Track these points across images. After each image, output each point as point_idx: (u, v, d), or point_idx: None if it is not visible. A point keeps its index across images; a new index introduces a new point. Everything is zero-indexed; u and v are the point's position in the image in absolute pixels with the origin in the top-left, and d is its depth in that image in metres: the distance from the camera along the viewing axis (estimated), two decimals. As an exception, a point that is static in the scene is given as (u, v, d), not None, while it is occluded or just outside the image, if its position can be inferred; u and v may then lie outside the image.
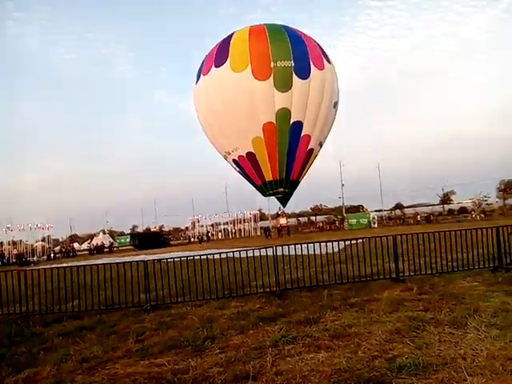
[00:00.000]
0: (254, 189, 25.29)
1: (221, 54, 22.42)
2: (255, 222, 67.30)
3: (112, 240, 63.06)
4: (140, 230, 79.47)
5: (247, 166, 23.56)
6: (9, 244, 44.30)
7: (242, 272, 8.49)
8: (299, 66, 22.66)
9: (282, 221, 39.01)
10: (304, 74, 22.78)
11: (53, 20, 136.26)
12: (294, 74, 22.46)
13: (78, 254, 45.58)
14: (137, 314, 7.33)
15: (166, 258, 8.86)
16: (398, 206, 72.30)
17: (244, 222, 67.07)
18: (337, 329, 5.12)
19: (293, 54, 22.46)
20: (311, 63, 23.27)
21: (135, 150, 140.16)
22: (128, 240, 57.59)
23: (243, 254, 8.65)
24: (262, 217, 73.49)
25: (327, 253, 9.20)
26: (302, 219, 76.02)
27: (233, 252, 8.69)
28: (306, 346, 4.57)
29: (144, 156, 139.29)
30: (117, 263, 8.60)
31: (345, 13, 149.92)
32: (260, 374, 3.86)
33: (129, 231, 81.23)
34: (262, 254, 9.03)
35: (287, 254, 8.88)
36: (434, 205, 70.16)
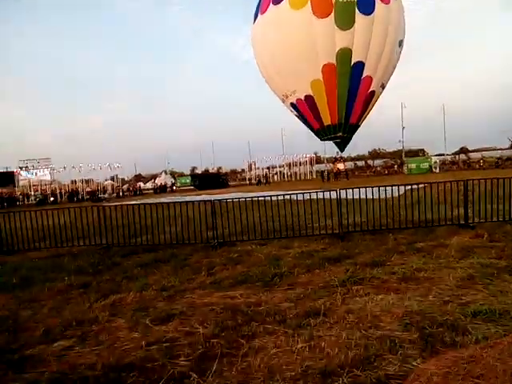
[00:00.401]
0: (311, 132, 24.73)
1: None
2: (311, 165, 66.70)
3: (173, 180, 65.64)
4: (199, 171, 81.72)
5: (305, 109, 22.89)
6: (82, 182, 47.80)
7: (305, 214, 8.57)
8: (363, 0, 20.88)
9: (340, 166, 38.39)
10: (368, 8, 20.98)
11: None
12: (356, 10, 20.78)
13: (143, 192, 48.23)
14: (205, 250, 7.74)
15: (232, 198, 9.12)
16: (463, 150, 67.94)
17: (300, 164, 66.72)
18: (405, 272, 5.10)
19: None
20: None
21: (194, 94, 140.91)
22: (188, 180, 59.84)
23: (304, 197, 8.69)
24: (318, 160, 72.48)
25: (386, 198, 8.98)
26: (359, 163, 74.11)
27: (296, 194, 8.75)
28: (375, 288, 4.62)
29: (202, 101, 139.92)
30: (186, 202, 9.01)
31: None
32: (330, 311, 3.99)
33: (188, 172, 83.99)
34: (321, 197, 8.96)
35: (347, 197, 8.75)
36: (503, 149, 65.06)
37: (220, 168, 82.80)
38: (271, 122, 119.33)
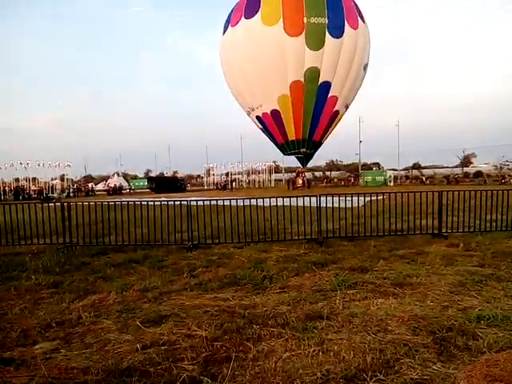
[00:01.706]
0: (270, 141, 24.91)
1: (252, 5, 21.26)
2: (269, 173, 67.31)
3: (126, 182, 63.76)
4: (153, 174, 79.94)
5: (270, 123, 23.05)
6: (26, 180, 45.01)
7: (279, 219, 8.42)
8: (333, 23, 21.47)
9: (300, 181, 38.94)
10: (337, 32, 21.63)
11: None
12: (327, 32, 21.34)
13: (96, 193, 46.32)
14: (180, 252, 7.40)
15: (203, 201, 8.82)
16: (416, 166, 71.30)
17: (259, 173, 67.13)
18: (396, 278, 5.07)
19: (328, 10, 21.22)
20: (346, 22, 22.03)
21: (148, 95, 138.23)
22: (143, 183, 58.30)
23: (270, 202, 8.68)
24: (277, 169, 73.37)
25: (352, 206, 9.03)
26: (316, 173, 75.65)
27: (269, 199, 8.71)
28: (370, 292, 4.54)
29: (157, 103, 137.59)
30: (160, 202, 8.59)
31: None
32: (333, 314, 3.84)
33: (142, 175, 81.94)
34: (293, 203, 8.83)
35: (317, 204, 8.65)
36: (453, 167, 68.94)
37: (176, 172, 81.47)
38: (228, 129, 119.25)
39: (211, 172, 68.78)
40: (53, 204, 9.92)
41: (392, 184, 49.64)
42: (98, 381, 2.62)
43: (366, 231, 8.12)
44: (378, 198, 11.14)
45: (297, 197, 8.88)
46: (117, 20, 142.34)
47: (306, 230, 8.43)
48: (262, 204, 8.80)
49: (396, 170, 63.51)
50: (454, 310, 3.92)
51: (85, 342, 3.35)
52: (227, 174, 65.94)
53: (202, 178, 75.47)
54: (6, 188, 42.00)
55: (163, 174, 75.07)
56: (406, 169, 69.96)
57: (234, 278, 5.33)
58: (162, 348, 3.17)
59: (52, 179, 48.48)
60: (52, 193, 40.81)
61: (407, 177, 64.16)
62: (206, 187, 61.86)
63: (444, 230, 8.18)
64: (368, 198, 11.54)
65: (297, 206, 8.60)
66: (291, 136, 23.10)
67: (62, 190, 44.03)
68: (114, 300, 4.46)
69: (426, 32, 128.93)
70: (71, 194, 41.78)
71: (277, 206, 8.62)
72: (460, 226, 8.18)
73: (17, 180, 46.67)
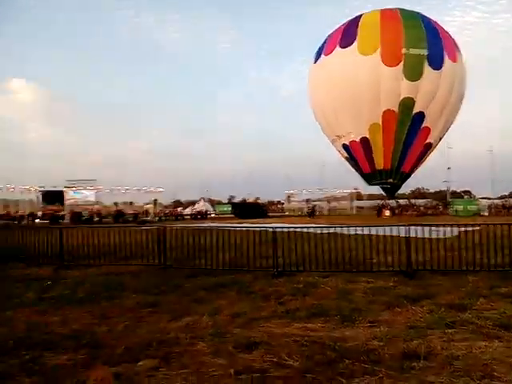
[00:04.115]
0: (352, 170, 24.37)
1: (348, 34, 21.48)
2: (351, 200, 65.69)
3: (211, 207, 66.19)
4: (236, 200, 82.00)
5: (358, 151, 22.68)
6: (124, 205, 49.09)
7: (364, 248, 8.16)
8: (433, 55, 21.00)
9: (386, 213, 37.45)
10: (437, 64, 21.08)
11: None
12: (426, 63, 20.89)
13: (184, 217, 48.94)
14: (265, 278, 7.50)
15: (292, 227, 8.90)
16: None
17: (339, 200, 65.87)
18: (499, 318, 4.65)
19: (427, 42, 20.86)
20: (445, 54, 21.49)
21: (231, 123, 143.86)
22: (226, 209, 60.20)
23: (356, 231, 8.41)
24: (359, 196, 71.41)
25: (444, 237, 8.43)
26: (401, 201, 72.23)
27: (355, 228, 8.46)
28: (471, 333, 4.20)
29: (240, 132, 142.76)
30: (242, 228, 8.85)
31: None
32: (431, 354, 3.62)
33: (225, 200, 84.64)
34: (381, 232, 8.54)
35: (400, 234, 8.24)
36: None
37: (258, 198, 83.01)
38: (308, 156, 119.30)
39: (291, 198, 68.96)
40: (148, 227, 10.71)
41: (487, 214, 45.59)
42: (197, 403, 2.74)
43: (461, 264, 7.57)
44: (473, 228, 10.32)
45: (383, 226, 8.59)
46: (203, 56, 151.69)
47: (394, 260, 8.09)
48: (345, 232, 8.63)
49: (490, 198, 58.40)
50: None
51: (182, 362, 3.53)
52: (307, 201, 65.58)
53: (283, 204, 75.94)
54: (105, 211, 46.12)
55: (245, 199, 76.88)
56: (501, 197, 63.91)
57: (321, 308, 5.27)
58: (254, 375, 3.23)
59: (146, 204, 52.30)
60: (146, 216, 43.83)
61: (504, 206, 58.47)
62: (287, 213, 62.00)
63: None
64: (462, 229, 10.76)
65: (384, 235, 8.32)
66: (379, 165, 22.48)
67: (155, 214, 47.10)
68: (206, 323, 4.65)
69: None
70: (163, 218, 44.45)
71: (363, 234, 8.41)
72: None
73: (116, 204, 51.21)
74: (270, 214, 58.54)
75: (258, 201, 76.48)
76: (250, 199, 77.74)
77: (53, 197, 48.72)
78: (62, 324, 4.66)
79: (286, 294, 6.11)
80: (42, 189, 48.32)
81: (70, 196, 48.58)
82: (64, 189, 48.78)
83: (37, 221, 37.39)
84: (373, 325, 4.58)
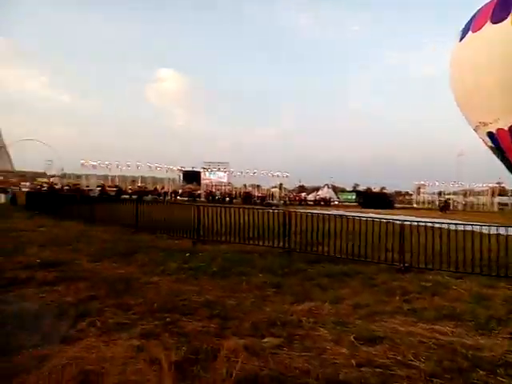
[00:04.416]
0: (495, 160, 21.46)
1: (501, 8, 18.89)
2: (492, 196, 58.75)
3: (334, 195, 65.47)
4: (360, 188, 79.70)
5: (506, 141, 19.96)
6: (252, 187, 51.64)
7: (508, 250, 7.25)
8: None
9: None
10: None
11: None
12: None
13: (307, 203, 49.47)
14: (390, 272, 7.24)
15: (422, 221, 8.39)
16: None
17: (478, 194, 59.46)
18: None
19: None
20: None
21: (361, 109, 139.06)
22: (351, 197, 58.97)
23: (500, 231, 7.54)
24: (502, 191, 63.40)
25: None
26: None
27: (506, 227, 7.58)
28: None
29: (370, 116, 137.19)
30: (368, 218, 8.62)
31: None
32: None
33: (349, 188, 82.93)
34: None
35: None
36: None
37: (383, 188, 79.49)
38: (443, 145, 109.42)
39: (421, 190, 64.41)
40: (273, 210, 11.14)
41: None
42: (318, 386, 2.83)
43: None
44: None
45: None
46: (335, 41, 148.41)
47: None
48: (485, 231, 7.80)
49: None
50: None
51: (304, 345, 3.66)
52: (440, 193, 60.57)
53: (411, 195, 71.44)
54: (236, 192, 49.11)
55: (370, 188, 74.30)
56: None
57: (452, 310, 4.92)
58: (377, 370, 3.19)
59: (272, 187, 54.23)
60: (272, 200, 45.49)
61: None
62: (415, 205, 58.18)
63: None
64: None
65: None
66: (532, 158, 19.48)
67: (279, 198, 48.55)
68: (328, 310, 4.72)
69: None
70: (287, 202, 45.59)
71: (506, 235, 7.50)
72: None
73: (245, 186, 54.30)
74: (397, 205, 55.70)
75: (385, 190, 73.22)
76: (376, 188, 74.88)
77: (191, 177, 53.92)
78: (198, 293, 5.18)
79: (413, 292, 5.82)
80: (183, 169, 53.53)
81: (206, 176, 53.00)
82: (201, 170, 53.37)
83: (178, 198, 41.52)
84: (514, 337, 4.13)
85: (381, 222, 8.33)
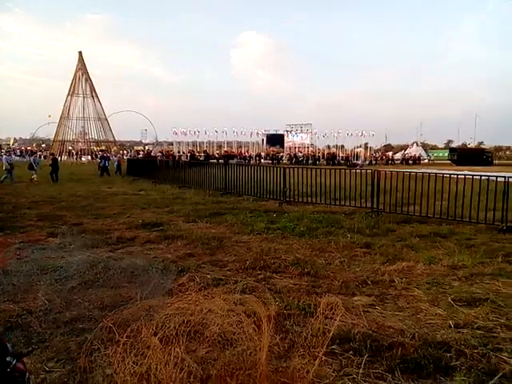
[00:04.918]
0: None
1: None
2: None
3: (424, 153, 61.55)
4: (454, 145, 73.89)
5: None
6: (336, 148, 50.45)
7: None
8: None
9: None
10: None
11: None
12: None
13: (395, 162, 47.31)
14: (490, 232, 6.76)
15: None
16: None
17: None
18: None
19: None
20: None
21: (458, 61, 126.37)
22: (442, 154, 55.09)
23: None
24: None
25: None
26: None
27: None
28: None
29: (466, 69, 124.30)
30: (461, 175, 7.95)
31: None
32: None
33: (442, 146, 77.28)
34: None
35: None
36: None
37: (481, 143, 72.85)
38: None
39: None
40: (359, 170, 10.82)
41: None
42: (414, 346, 2.79)
43: None
44: None
45: None
46: None
47: None
48: None
49: None
50: None
51: (398, 304, 3.61)
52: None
53: (515, 149, 64.53)
54: (320, 154, 48.35)
55: (465, 145, 68.51)
56: None
57: None
58: (478, 332, 3.06)
59: (356, 147, 52.47)
60: (357, 160, 44.13)
61: None
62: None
63: None
64: None
65: None
66: None
67: (365, 158, 46.90)
68: (422, 271, 4.56)
69: None
70: (373, 162, 43.94)
71: None
72: None
73: (328, 147, 53.22)
74: (496, 162, 50.87)
75: (482, 146, 67.10)
76: (472, 144, 68.92)
77: (275, 139, 54.00)
78: (287, 252, 5.30)
79: (517, 253, 5.38)
80: (267, 132, 53.65)
81: (289, 139, 52.77)
82: (284, 132, 53.18)
83: (262, 161, 42.03)
84: None
85: (478, 179, 7.70)
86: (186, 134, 46.46)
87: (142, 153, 45.14)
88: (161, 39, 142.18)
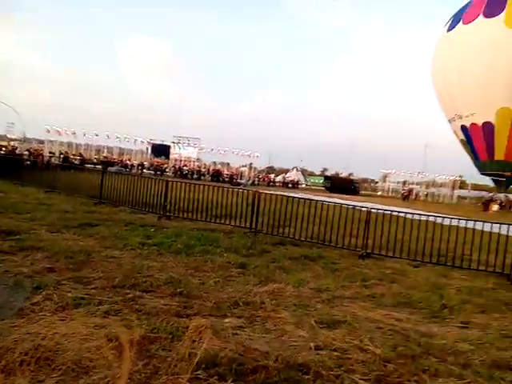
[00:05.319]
0: (459, 154, 22.26)
1: (494, 4, 19.03)
2: (453, 188, 61.01)
3: (303, 178, 66.11)
4: (329, 173, 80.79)
5: (478, 136, 20.46)
6: (221, 165, 51.21)
7: (465, 243, 7.51)
8: None
9: (494, 207, 33.99)
10: None
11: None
12: None
13: (276, 184, 49.77)
14: (352, 257, 7.42)
15: (387, 210, 8.61)
16: None
17: (440, 186, 61.64)
18: None
19: None
20: None
21: (333, 95, 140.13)
22: (318, 181, 59.81)
23: (459, 223, 7.86)
24: (462, 185, 65.91)
25: None
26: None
27: (466, 221, 7.85)
28: None
29: (341, 103, 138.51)
30: (335, 203, 8.74)
31: None
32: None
33: (318, 172, 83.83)
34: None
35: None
36: None
37: (351, 174, 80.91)
38: (411, 136, 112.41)
39: (387, 178, 66.09)
40: (241, 190, 11.11)
41: None
42: (277, 368, 2.86)
43: None
44: None
45: (490, 222, 7.87)
46: (320, 23, 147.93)
47: (496, 261, 7.44)
48: (445, 223, 8.10)
49: None
50: None
51: (265, 326, 3.70)
52: (404, 183, 62.33)
53: (377, 183, 73.19)
54: (204, 169, 48.51)
55: (338, 174, 75.44)
56: None
57: (409, 298, 5.11)
58: (334, 354, 3.27)
59: (241, 166, 53.97)
60: (241, 179, 45.32)
61: None
62: (379, 193, 59.75)
63: None
64: None
65: (482, 231, 7.61)
66: (499, 156, 20.09)
67: (249, 178, 48.48)
68: (291, 293, 4.78)
69: None
70: (255, 183, 45.60)
71: (465, 227, 7.81)
72: None
73: (214, 163, 53.63)
74: (362, 192, 56.96)
75: (352, 177, 74.57)
76: (344, 174, 76.09)
77: (160, 150, 52.22)
78: (161, 270, 5.10)
79: (373, 278, 6.00)
80: (153, 141, 51.82)
81: (176, 151, 51.78)
82: (171, 144, 52.03)
83: (144, 171, 40.60)
84: (464, 326, 4.34)
85: (347, 208, 8.48)
86: (60, 134, 42.77)
87: (4, 149, 40.11)
88: (39, 25, 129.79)
